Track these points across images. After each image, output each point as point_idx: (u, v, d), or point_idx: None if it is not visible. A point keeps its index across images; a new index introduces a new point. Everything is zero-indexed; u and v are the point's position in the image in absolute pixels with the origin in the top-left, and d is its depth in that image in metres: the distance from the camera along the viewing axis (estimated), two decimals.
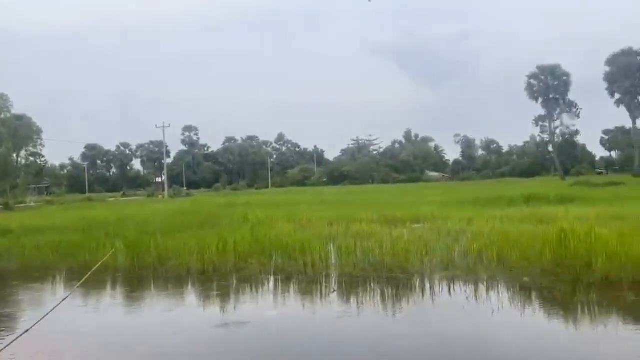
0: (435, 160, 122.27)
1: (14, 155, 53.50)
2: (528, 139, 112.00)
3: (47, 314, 3.44)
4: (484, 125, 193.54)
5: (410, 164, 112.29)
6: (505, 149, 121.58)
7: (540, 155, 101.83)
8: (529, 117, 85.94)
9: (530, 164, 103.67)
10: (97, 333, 6.86)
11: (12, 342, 3.67)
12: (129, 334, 6.83)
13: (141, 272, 10.42)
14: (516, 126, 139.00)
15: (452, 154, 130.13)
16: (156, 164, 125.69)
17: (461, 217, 15.56)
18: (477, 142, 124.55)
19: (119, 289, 9.66)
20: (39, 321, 3.36)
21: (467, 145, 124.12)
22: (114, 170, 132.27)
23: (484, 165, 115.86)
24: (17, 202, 52.67)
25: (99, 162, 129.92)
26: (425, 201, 24.35)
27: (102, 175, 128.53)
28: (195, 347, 6.10)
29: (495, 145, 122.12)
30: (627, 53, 65.57)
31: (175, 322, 7.31)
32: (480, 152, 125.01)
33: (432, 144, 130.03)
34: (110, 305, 8.57)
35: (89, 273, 4.11)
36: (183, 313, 7.90)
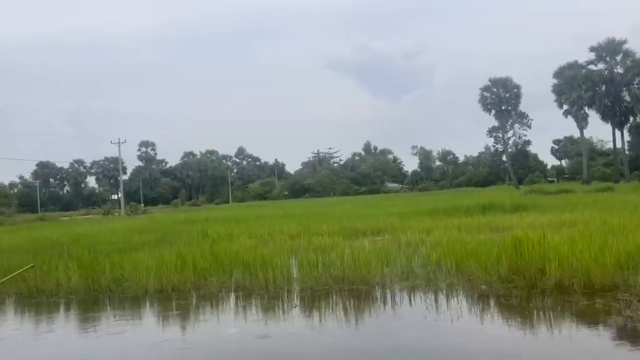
0: (394, 172, 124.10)
1: None
2: (483, 149, 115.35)
3: None
4: (440, 136, 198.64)
5: (370, 175, 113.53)
6: (462, 159, 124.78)
7: (494, 165, 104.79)
8: (483, 128, 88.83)
9: (485, 173, 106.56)
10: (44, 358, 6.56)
11: None
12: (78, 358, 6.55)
13: (96, 294, 10.05)
14: (471, 137, 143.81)
15: (410, 165, 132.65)
16: (112, 180, 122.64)
17: (420, 228, 15.81)
18: (434, 153, 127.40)
19: (71, 312, 9.28)
20: None
21: (425, 156, 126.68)
22: (67, 188, 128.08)
23: (441, 175, 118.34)
24: None
25: (51, 180, 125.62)
26: (385, 212, 24.61)
27: (55, 193, 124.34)
28: None
29: (451, 156, 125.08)
30: (573, 66, 68.43)
31: (128, 344, 7.08)
32: (438, 162, 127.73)
33: (390, 156, 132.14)
34: (61, 328, 8.22)
35: None
36: (138, 335, 7.65)
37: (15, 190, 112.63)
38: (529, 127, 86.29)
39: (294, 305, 8.44)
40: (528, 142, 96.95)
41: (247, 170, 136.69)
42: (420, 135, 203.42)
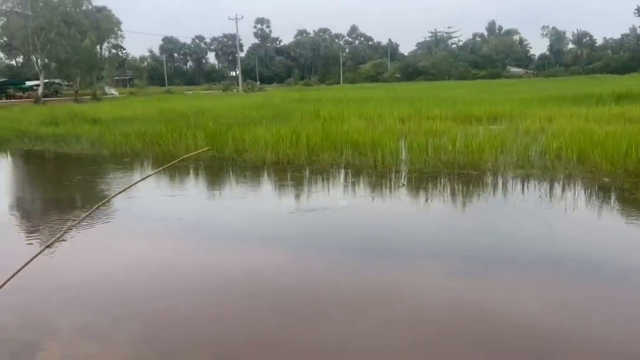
0: (519, 55, 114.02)
1: (98, 47, 55.43)
2: (627, 31, 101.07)
3: (123, 190, 3.78)
4: (577, 15, 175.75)
5: (491, 59, 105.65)
6: (600, 42, 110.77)
7: (639, 50, 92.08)
8: (631, 6, 76.75)
9: (626, 59, 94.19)
10: (176, 213, 7.48)
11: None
12: (207, 216, 7.40)
13: (220, 162, 11.03)
14: (614, 17, 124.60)
15: (538, 47, 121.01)
16: (230, 57, 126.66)
17: (542, 116, 14.84)
18: (568, 35, 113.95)
19: (200, 176, 10.34)
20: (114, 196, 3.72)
21: (556, 38, 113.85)
22: (190, 63, 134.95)
23: (573, 60, 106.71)
24: (102, 92, 55.83)
25: (175, 55, 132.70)
26: (504, 98, 23.24)
27: (179, 68, 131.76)
28: (267, 229, 6.55)
29: (587, 39, 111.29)
30: None
31: (250, 207, 7.81)
32: (571, 45, 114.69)
33: (516, 37, 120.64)
34: (192, 189, 9.25)
35: (174, 161, 4.42)
36: (258, 199, 8.40)
37: (145, 63, 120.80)
38: None
39: (401, 185, 8.64)
40: None
41: (359, 50, 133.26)
42: (553, 13, 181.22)
